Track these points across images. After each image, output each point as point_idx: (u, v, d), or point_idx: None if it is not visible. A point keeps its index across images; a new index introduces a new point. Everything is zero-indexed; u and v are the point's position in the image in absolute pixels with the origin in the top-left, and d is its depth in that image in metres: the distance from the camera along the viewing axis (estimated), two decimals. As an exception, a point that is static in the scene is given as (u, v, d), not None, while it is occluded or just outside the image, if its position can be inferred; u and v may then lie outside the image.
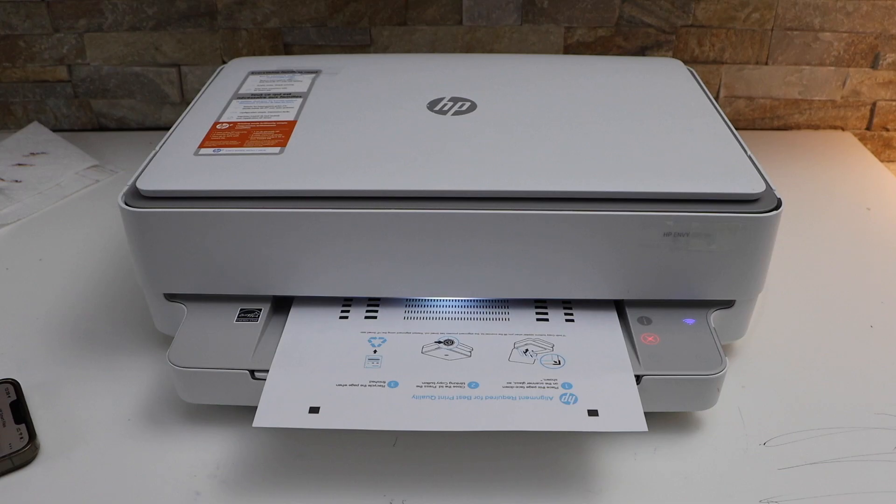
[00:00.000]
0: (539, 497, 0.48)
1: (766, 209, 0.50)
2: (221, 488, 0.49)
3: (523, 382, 0.49)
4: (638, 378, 0.50)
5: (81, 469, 0.50)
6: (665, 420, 0.53)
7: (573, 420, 0.46)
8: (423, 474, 0.50)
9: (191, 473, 0.50)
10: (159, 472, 0.50)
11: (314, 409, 0.47)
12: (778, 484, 0.49)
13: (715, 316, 0.54)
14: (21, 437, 0.51)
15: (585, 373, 0.50)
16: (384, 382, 0.49)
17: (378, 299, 0.56)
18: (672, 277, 0.53)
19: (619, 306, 0.55)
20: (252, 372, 0.50)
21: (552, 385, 0.49)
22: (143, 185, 0.52)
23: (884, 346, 0.61)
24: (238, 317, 0.54)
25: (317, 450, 0.51)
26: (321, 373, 0.50)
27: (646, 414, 0.47)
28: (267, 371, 0.50)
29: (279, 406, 0.47)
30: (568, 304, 0.56)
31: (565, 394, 0.48)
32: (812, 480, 0.49)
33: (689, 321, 0.53)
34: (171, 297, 0.55)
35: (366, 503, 0.48)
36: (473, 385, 0.49)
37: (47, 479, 0.50)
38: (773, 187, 0.52)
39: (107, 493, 0.49)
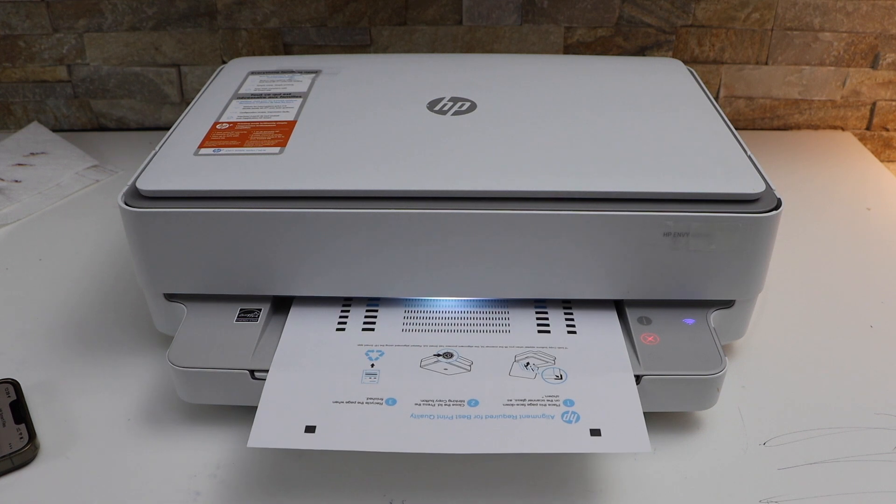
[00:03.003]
0: (539, 497, 0.48)
1: (766, 209, 0.50)
2: (221, 488, 0.49)
3: (524, 400, 0.48)
4: (638, 378, 0.50)
5: (81, 469, 0.50)
6: (665, 420, 0.53)
7: (575, 441, 0.45)
8: (423, 474, 0.50)
9: (191, 473, 0.50)
10: (159, 472, 0.50)
11: (310, 429, 0.46)
12: (778, 484, 0.49)
13: (715, 316, 0.54)
14: (21, 437, 0.51)
15: (588, 388, 0.48)
16: (382, 399, 0.48)
17: (377, 304, 0.56)
18: (672, 277, 0.53)
19: (619, 306, 0.55)
20: (252, 372, 0.50)
21: (554, 402, 0.47)
22: (142, 185, 0.52)
23: (884, 346, 0.61)
24: (238, 317, 0.54)
25: (317, 450, 0.51)
26: (317, 389, 0.49)
27: (646, 414, 0.47)
28: (267, 371, 0.50)
29: (274, 425, 0.46)
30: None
31: (567, 412, 0.47)
32: (812, 480, 0.49)
33: (689, 321, 0.53)
34: (171, 297, 0.55)
35: (366, 503, 0.48)
36: (473, 403, 0.47)
37: (47, 479, 0.50)
38: (773, 187, 0.52)
39: (107, 493, 0.49)
